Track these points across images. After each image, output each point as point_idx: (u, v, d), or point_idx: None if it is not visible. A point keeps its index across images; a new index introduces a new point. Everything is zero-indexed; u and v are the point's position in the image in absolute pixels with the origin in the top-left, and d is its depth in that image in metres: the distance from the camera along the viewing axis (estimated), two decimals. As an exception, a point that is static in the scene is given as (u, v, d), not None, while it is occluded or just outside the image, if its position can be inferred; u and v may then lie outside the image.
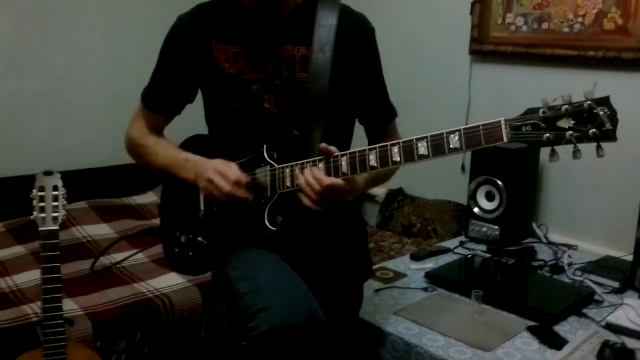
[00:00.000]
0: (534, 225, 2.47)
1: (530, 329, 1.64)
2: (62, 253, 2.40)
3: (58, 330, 1.54)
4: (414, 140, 1.16)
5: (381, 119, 1.52)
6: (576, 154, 1.07)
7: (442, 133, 1.13)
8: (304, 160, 1.29)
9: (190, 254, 1.48)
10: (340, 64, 1.39)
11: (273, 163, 1.35)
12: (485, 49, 2.58)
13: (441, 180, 2.77)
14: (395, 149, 1.18)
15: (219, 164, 1.35)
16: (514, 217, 2.36)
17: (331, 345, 1.39)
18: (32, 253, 2.37)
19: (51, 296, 1.54)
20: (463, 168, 2.70)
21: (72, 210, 2.77)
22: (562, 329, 1.67)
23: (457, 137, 1.11)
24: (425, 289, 1.90)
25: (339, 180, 1.24)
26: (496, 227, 2.33)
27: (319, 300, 1.31)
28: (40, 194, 1.60)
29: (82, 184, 2.94)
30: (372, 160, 1.21)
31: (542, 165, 2.42)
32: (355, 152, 1.24)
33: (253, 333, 1.22)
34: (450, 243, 2.37)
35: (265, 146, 1.37)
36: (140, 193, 3.11)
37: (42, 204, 1.59)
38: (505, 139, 1.08)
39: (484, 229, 2.36)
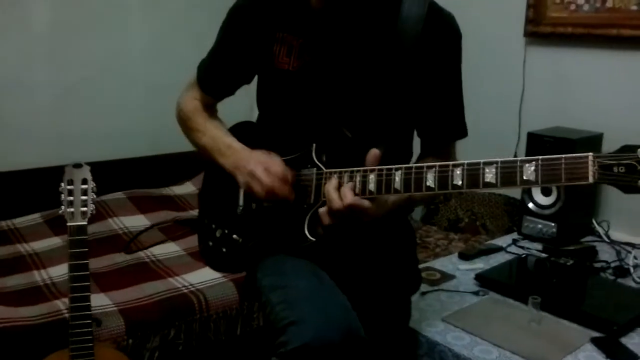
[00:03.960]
0: (595, 222, 2.29)
1: (594, 341, 1.49)
2: (98, 245, 2.42)
3: (85, 331, 1.47)
4: (481, 165, 1.02)
5: (447, 135, 1.37)
6: None
7: (516, 161, 0.98)
8: (355, 169, 1.16)
9: (224, 250, 1.38)
10: (417, 67, 1.25)
11: (321, 166, 1.22)
12: (542, 30, 2.42)
13: (492, 172, 2.61)
14: (458, 171, 1.04)
15: (263, 155, 1.24)
16: (573, 213, 2.19)
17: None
18: (69, 245, 2.34)
19: (79, 295, 1.48)
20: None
21: (108, 200, 2.76)
22: (630, 341, 1.51)
23: (532, 168, 0.96)
24: (476, 293, 1.76)
25: (365, 202, 1.12)
26: (553, 224, 2.17)
27: (363, 315, 1.20)
28: (69, 187, 1.53)
29: (119, 174, 2.93)
30: (430, 180, 1.07)
31: (604, 157, 2.24)
32: (411, 168, 1.09)
33: (282, 349, 1.11)
34: (502, 241, 2.22)
35: (314, 145, 1.24)
36: (178, 183, 3.07)
37: (71, 198, 1.53)
38: (590, 179, 0.92)
39: (540, 226, 2.20)
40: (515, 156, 2.53)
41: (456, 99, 1.35)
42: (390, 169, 1.11)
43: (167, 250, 2.40)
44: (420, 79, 1.28)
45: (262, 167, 1.20)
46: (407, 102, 1.29)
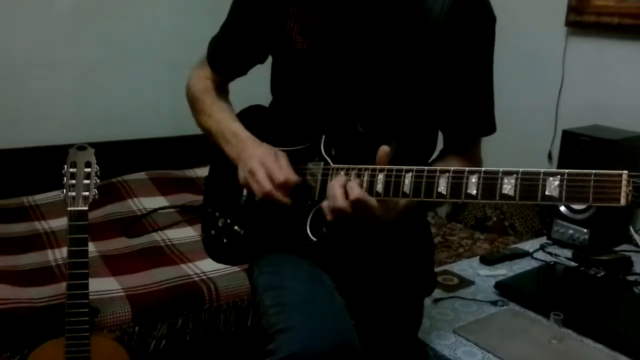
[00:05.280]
0: (632, 230, 2.15)
1: (621, 366, 1.37)
2: (114, 226, 2.40)
3: (82, 320, 1.43)
4: (500, 174, 0.92)
5: (473, 130, 1.25)
6: None
7: (540, 172, 0.88)
8: (363, 166, 1.07)
9: (225, 241, 1.31)
10: (443, 50, 1.14)
11: (329, 160, 1.13)
12: (586, 20, 2.29)
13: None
14: (474, 179, 0.94)
15: (267, 155, 1.14)
16: (608, 220, 2.06)
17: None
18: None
19: (77, 282, 1.44)
20: (550, 157, 2.42)
21: (130, 180, 2.74)
22: (663, 368, 1.39)
23: (557, 182, 0.86)
24: (495, 303, 1.65)
25: (372, 200, 1.03)
26: (585, 230, 2.04)
27: (368, 321, 1.13)
28: (71, 170, 1.49)
29: (142, 154, 2.92)
30: (442, 186, 0.97)
31: (645, 159, 2.10)
32: (423, 171, 1.00)
33: (270, 358, 1.04)
34: (530, 245, 2.09)
35: (324, 138, 1.15)
36: (201, 166, 3.02)
37: (73, 181, 1.48)
38: (622, 202, 0.82)
39: (571, 231, 2.07)
40: (549, 154, 2.40)
41: (485, 90, 1.22)
42: (401, 170, 1.01)
43: (184, 234, 2.36)
44: (446, 64, 1.16)
45: (263, 170, 1.12)
46: (430, 90, 1.18)
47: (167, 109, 2.90)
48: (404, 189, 1.01)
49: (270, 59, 1.33)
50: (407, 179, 1.00)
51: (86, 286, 1.44)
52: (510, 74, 2.53)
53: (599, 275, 1.83)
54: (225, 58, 1.33)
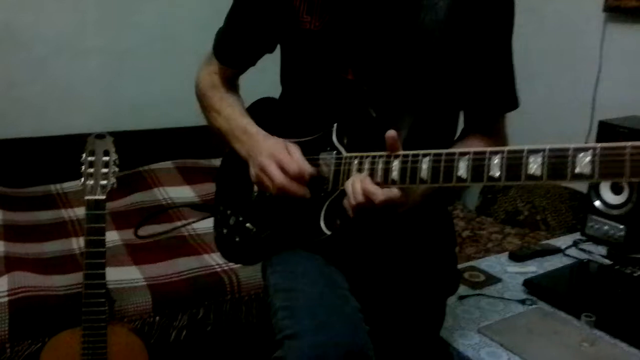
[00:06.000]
0: (672, 227, 2.03)
1: (656, 372, 1.30)
2: (139, 215, 2.40)
3: (99, 310, 1.43)
4: (525, 153, 0.84)
5: (495, 106, 1.18)
6: None
7: (569, 148, 0.80)
8: (377, 153, 1.01)
9: (237, 239, 1.27)
10: (461, 24, 1.08)
11: (341, 149, 1.08)
12: (625, 4, 2.21)
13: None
14: (496, 160, 0.86)
15: (277, 148, 1.09)
16: (646, 216, 1.95)
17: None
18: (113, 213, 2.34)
19: (94, 272, 1.43)
20: (586, 150, 2.31)
21: (156, 170, 2.75)
22: (701, 375, 1.31)
23: (588, 158, 0.78)
24: (523, 302, 1.58)
25: (395, 193, 0.96)
26: (622, 226, 1.94)
27: (387, 321, 1.09)
28: (90, 159, 1.48)
29: (169, 143, 2.91)
30: (462, 169, 0.90)
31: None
32: (441, 155, 0.93)
33: None
34: (562, 241, 2.01)
35: (336, 126, 1.10)
36: (229, 155, 3.01)
37: (91, 170, 1.47)
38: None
39: (606, 227, 1.97)
40: (586, 146, 2.31)
41: (506, 64, 1.15)
42: (417, 155, 0.95)
43: (208, 225, 2.34)
44: (464, 39, 1.09)
45: (274, 163, 1.07)
46: (449, 67, 1.11)
47: (194, 98, 2.89)
48: (422, 175, 0.94)
49: (278, 49, 1.28)
50: (425, 164, 0.94)
51: (103, 276, 1.43)
52: (545, 62, 2.44)
53: (635, 274, 1.74)
54: (233, 48, 1.28)
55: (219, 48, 1.29)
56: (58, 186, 2.60)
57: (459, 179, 0.90)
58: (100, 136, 1.49)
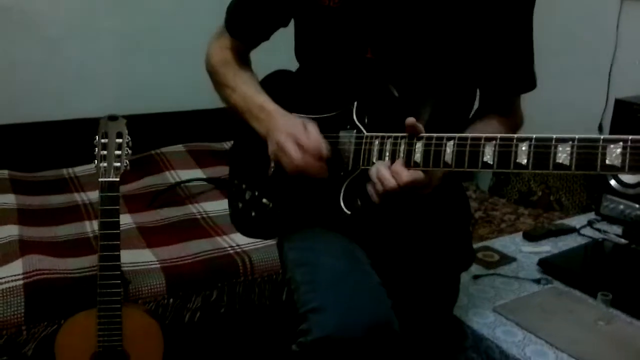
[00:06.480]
0: (688, 206, 2.01)
1: (673, 350, 1.29)
2: (152, 198, 2.41)
3: (114, 291, 1.43)
4: (553, 142, 0.84)
5: (513, 85, 1.17)
6: None
7: (599, 139, 0.80)
8: (400, 135, 1.00)
9: (253, 214, 1.26)
10: (482, 5, 1.07)
11: (362, 128, 1.07)
12: None
13: (572, 142, 2.37)
14: (524, 147, 0.86)
15: (295, 126, 1.08)
16: (662, 195, 1.93)
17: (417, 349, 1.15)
18: (125, 196, 2.34)
19: (108, 254, 1.43)
20: (601, 128, 2.29)
21: (167, 153, 2.75)
22: None
23: (619, 150, 0.78)
24: (538, 281, 1.57)
25: (419, 175, 0.96)
26: (637, 205, 1.93)
27: (404, 296, 1.08)
28: (103, 141, 1.47)
29: (181, 126, 2.90)
30: (488, 155, 0.89)
31: None
32: (466, 139, 0.92)
33: (302, 339, 1.00)
34: (577, 221, 1.99)
35: (356, 104, 1.09)
36: (239, 138, 3.00)
37: (104, 152, 1.47)
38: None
39: (621, 206, 1.96)
40: (600, 125, 2.28)
41: (525, 44, 1.14)
42: (441, 138, 0.94)
43: (220, 207, 2.34)
44: (484, 17, 1.08)
45: (292, 141, 1.06)
46: (468, 45, 1.10)
47: (207, 81, 2.88)
48: (446, 159, 0.94)
49: (292, 23, 1.26)
50: (449, 148, 0.94)
51: (118, 258, 1.44)
52: (560, 38, 2.40)
53: (651, 253, 1.73)
54: (246, 22, 1.25)
55: (232, 21, 1.27)
56: (70, 170, 2.61)
57: (485, 164, 0.90)
58: (113, 118, 1.49)
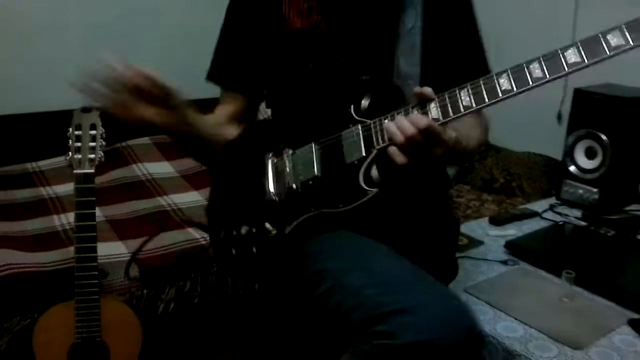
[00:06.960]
0: (642, 190, 2.12)
1: (632, 323, 1.36)
2: (120, 191, 2.39)
3: (91, 282, 1.43)
4: (559, 51, 0.95)
5: (467, 75, 1.18)
6: None
7: (597, 34, 0.93)
8: (409, 105, 1.05)
9: (255, 250, 1.19)
10: (432, 29, 1.20)
11: (365, 120, 1.10)
12: None
13: (532, 130, 2.45)
14: (535, 64, 0.96)
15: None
16: (618, 180, 2.02)
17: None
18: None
19: (85, 245, 1.43)
20: (560, 117, 2.37)
21: (134, 146, 2.72)
22: (673, 324, 1.38)
23: (617, 31, 0.92)
24: (505, 262, 1.64)
25: (435, 125, 1.00)
26: (595, 189, 2.01)
27: None
28: (76, 133, 1.46)
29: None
30: (505, 83, 0.98)
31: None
32: (478, 81, 1.00)
33: (386, 342, 0.93)
34: (538, 206, 2.07)
35: (352, 107, 1.13)
36: (207, 130, 2.99)
37: (78, 144, 1.46)
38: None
39: (580, 191, 2.04)
40: (559, 116, 2.35)
41: (475, 42, 1.28)
42: (453, 91, 1.00)
43: (190, 199, 2.35)
44: (438, 34, 1.21)
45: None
46: (429, 61, 1.21)
47: (174, 73, 2.84)
48: (464, 104, 0.99)
49: None
50: (464, 94, 0.99)
51: (95, 249, 1.44)
52: (516, 27, 2.44)
53: (609, 234, 1.81)
54: (229, 66, 1.33)
55: (216, 71, 1.35)
56: (35, 164, 2.56)
57: (505, 91, 0.97)
58: (86, 110, 1.48)
